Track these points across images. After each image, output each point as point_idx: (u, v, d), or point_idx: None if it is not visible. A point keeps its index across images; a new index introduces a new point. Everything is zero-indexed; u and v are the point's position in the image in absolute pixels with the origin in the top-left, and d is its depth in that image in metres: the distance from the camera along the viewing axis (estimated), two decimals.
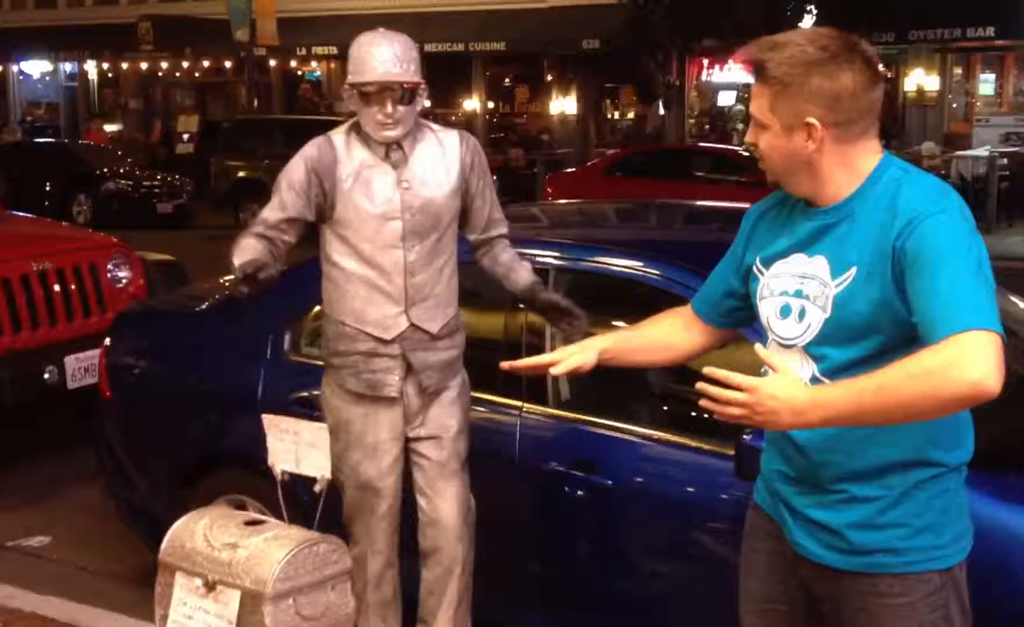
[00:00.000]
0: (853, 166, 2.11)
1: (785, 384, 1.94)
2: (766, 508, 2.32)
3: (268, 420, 2.93)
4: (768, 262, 2.23)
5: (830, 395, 1.95)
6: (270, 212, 3.13)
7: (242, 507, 3.74)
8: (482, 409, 3.48)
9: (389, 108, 3.03)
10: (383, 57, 3.04)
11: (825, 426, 1.96)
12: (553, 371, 2.48)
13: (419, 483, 3.23)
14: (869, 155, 2.12)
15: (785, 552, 2.25)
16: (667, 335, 2.52)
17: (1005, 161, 17.05)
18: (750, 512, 2.39)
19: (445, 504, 3.20)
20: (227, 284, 4.75)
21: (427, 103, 3.23)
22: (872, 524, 2.10)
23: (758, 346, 2.07)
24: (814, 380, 2.10)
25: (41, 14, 29.81)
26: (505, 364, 2.54)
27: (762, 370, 2.04)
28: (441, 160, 3.17)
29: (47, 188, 18.23)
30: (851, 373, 2.01)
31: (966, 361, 1.82)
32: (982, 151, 17.86)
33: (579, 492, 3.26)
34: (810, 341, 2.13)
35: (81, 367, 5.92)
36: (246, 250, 3.02)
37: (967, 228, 2.00)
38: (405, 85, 3.04)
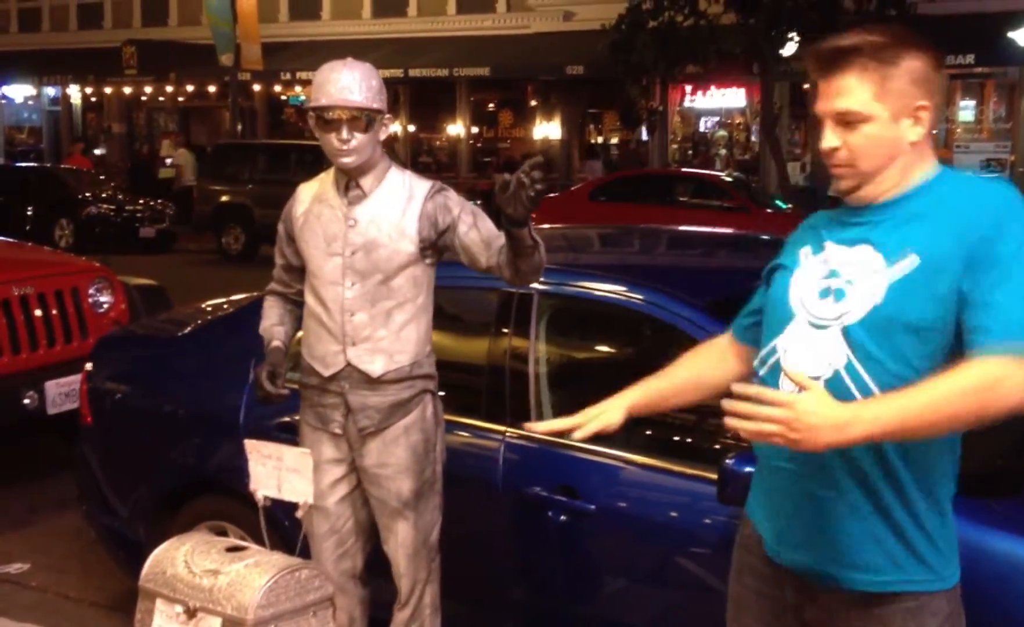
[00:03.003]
0: (927, 158, 2.11)
1: (823, 399, 1.88)
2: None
3: (250, 445, 2.92)
4: (799, 257, 2.19)
5: (875, 410, 1.90)
6: (276, 263, 3.39)
7: (223, 534, 3.71)
8: (465, 434, 3.48)
9: (344, 134, 3.04)
10: (341, 83, 3.06)
11: (867, 441, 1.92)
12: (577, 435, 2.42)
13: (373, 518, 3.25)
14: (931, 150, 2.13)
15: (777, 590, 2.22)
16: (698, 372, 2.44)
17: None
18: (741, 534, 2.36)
19: (391, 542, 3.20)
20: (208, 308, 4.76)
21: (389, 131, 3.21)
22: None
23: (788, 366, 2.02)
24: (849, 368, 2.03)
25: (25, 38, 29.80)
26: (529, 425, 2.50)
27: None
28: (403, 205, 3.13)
29: (29, 212, 18.16)
30: (888, 376, 1.99)
31: (1016, 377, 1.87)
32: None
33: (562, 517, 3.25)
34: (852, 323, 2.05)
35: (62, 392, 5.89)
36: (265, 315, 3.37)
37: None
38: (363, 111, 3.05)
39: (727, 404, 1.91)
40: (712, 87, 22.16)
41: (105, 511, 4.43)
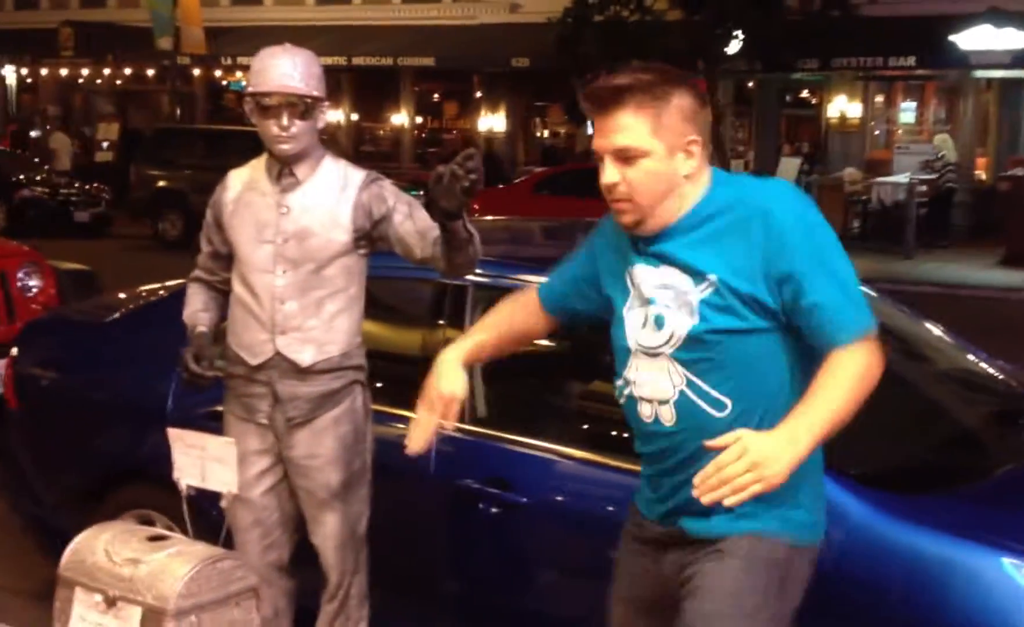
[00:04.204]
0: (702, 178, 2.22)
1: (759, 435, 1.99)
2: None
3: (173, 434, 2.88)
4: (621, 289, 2.32)
5: (807, 420, 2.03)
6: (202, 250, 3.31)
7: (150, 523, 3.66)
8: (399, 425, 3.45)
9: (284, 120, 3.00)
10: (282, 70, 3.01)
11: (812, 449, 2.03)
12: (448, 425, 2.49)
13: (300, 509, 3.21)
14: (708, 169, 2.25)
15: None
16: (517, 330, 2.57)
17: (924, 188, 17.50)
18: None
19: (318, 534, 3.17)
20: (143, 293, 4.67)
21: (326, 120, 3.17)
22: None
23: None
24: (690, 386, 2.19)
25: None
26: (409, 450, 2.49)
27: None
28: (337, 194, 3.10)
29: None
30: (727, 377, 2.15)
31: (874, 358, 2.09)
32: (902, 178, 18.31)
33: (494, 509, 3.23)
34: (678, 347, 2.19)
35: None
36: (189, 301, 3.29)
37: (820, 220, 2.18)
38: (303, 98, 3.01)
39: (699, 489, 1.98)
40: None
41: (30, 499, 4.35)
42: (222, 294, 3.28)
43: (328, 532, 3.14)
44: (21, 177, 18.51)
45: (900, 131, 21.81)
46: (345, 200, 3.09)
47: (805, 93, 22.66)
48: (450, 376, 2.44)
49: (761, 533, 2.21)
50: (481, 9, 23.13)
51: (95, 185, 19.20)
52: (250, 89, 3.06)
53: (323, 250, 3.07)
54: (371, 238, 3.12)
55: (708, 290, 2.16)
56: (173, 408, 3.74)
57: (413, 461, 3.35)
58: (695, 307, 2.17)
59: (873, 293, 4.20)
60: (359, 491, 3.18)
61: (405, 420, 3.46)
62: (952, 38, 17.40)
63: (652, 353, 2.23)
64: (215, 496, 2.98)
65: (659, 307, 2.21)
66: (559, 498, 3.24)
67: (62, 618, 2.55)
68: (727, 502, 1.94)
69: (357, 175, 3.15)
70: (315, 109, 3.06)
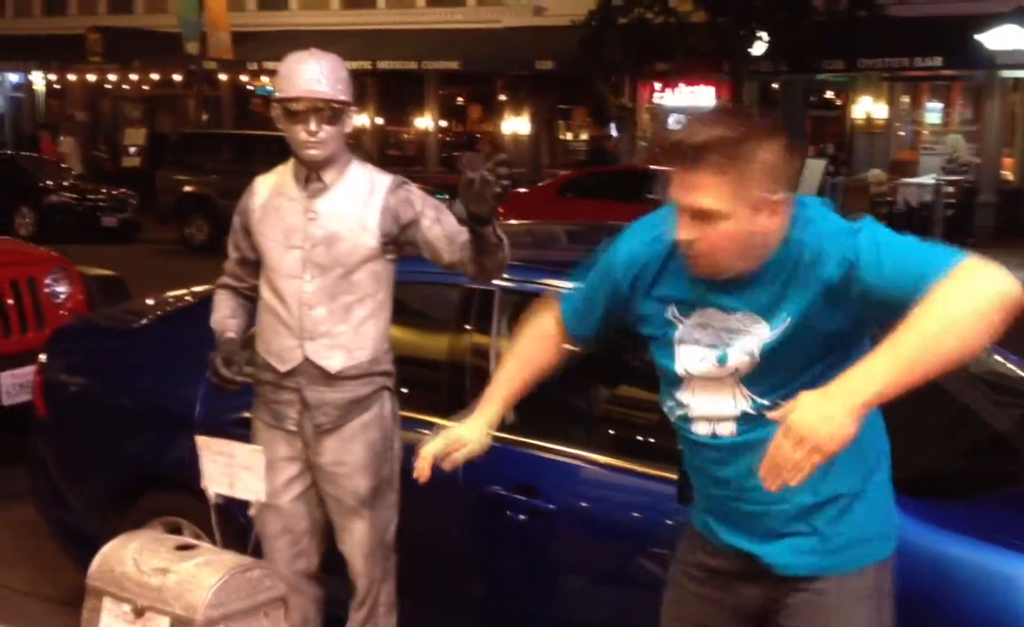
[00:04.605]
0: (783, 224, 2.09)
1: (806, 400, 1.85)
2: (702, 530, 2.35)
3: (202, 441, 2.87)
4: (684, 310, 2.21)
5: (866, 370, 1.85)
6: (229, 256, 3.30)
7: (178, 529, 3.66)
8: (425, 431, 3.43)
9: (313, 126, 2.99)
10: (309, 75, 3.00)
11: (880, 397, 1.85)
12: (446, 465, 2.42)
13: (329, 517, 3.20)
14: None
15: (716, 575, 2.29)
16: (537, 368, 2.45)
17: (951, 189, 17.35)
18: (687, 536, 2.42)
19: (347, 542, 3.16)
20: (171, 299, 4.68)
21: (354, 124, 3.17)
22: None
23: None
24: (754, 405, 2.13)
25: None
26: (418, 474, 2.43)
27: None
28: (364, 198, 3.09)
29: None
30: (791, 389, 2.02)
31: (978, 269, 1.88)
32: (928, 178, 18.17)
33: (521, 516, 3.21)
34: (744, 373, 2.13)
35: (17, 384, 5.78)
36: (217, 308, 3.28)
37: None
38: (331, 103, 3.01)
39: (768, 482, 1.88)
40: (682, 85, 22.20)
41: (58, 505, 4.36)
42: (250, 301, 3.27)
43: (356, 540, 3.13)
44: (49, 182, 18.64)
45: (926, 132, 21.64)
46: (373, 205, 3.08)
47: (830, 94, 22.52)
48: (470, 429, 2.40)
49: (853, 568, 2.20)
50: (505, 12, 23.13)
51: (122, 190, 19.31)
52: (278, 95, 3.06)
53: (351, 255, 3.06)
54: (399, 243, 3.11)
55: (780, 333, 2.08)
56: (201, 414, 3.74)
57: (440, 469, 3.37)
58: (762, 347, 2.09)
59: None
60: (388, 498, 3.17)
61: (433, 426, 3.45)
62: (978, 38, 17.26)
63: (714, 378, 2.16)
64: (243, 504, 2.98)
65: (722, 348, 2.14)
66: (587, 505, 3.21)
67: None
68: (792, 483, 1.84)
69: (384, 180, 3.13)
70: (343, 114, 3.06)
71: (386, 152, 24.78)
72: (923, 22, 17.99)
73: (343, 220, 3.06)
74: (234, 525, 3.32)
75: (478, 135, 25.08)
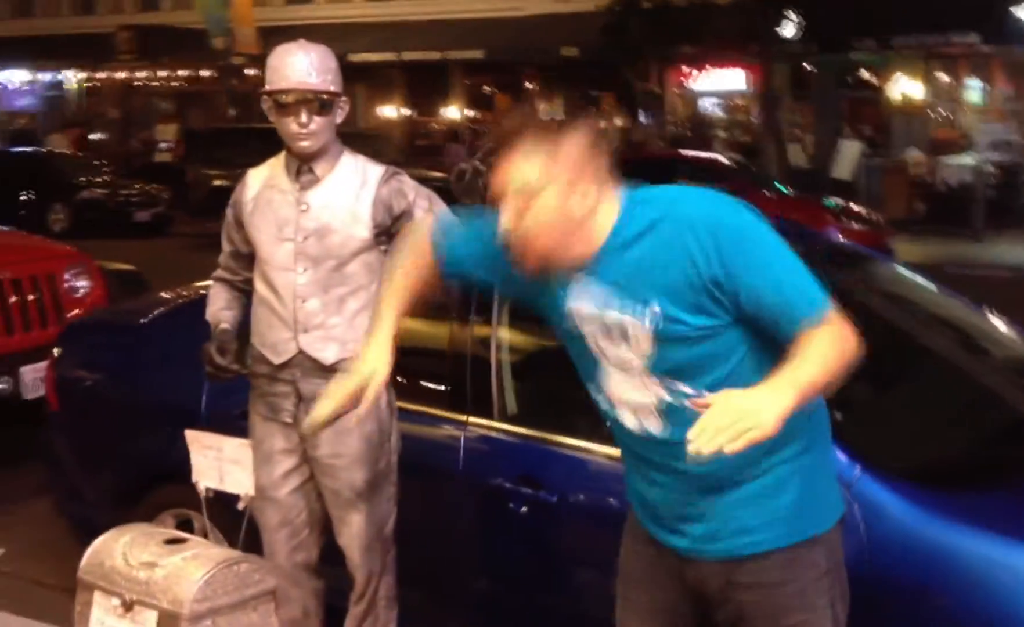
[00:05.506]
0: (605, 206, 2.12)
1: (736, 391, 1.91)
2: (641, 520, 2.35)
3: (191, 435, 2.86)
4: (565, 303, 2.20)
5: (788, 377, 1.93)
6: (223, 249, 3.30)
7: (188, 522, 3.67)
8: (426, 423, 3.41)
9: (303, 117, 2.97)
10: (298, 66, 2.99)
11: (795, 406, 1.91)
12: (361, 410, 2.36)
13: (327, 509, 3.18)
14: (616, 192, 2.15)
15: (667, 559, 2.28)
16: (420, 293, 2.44)
17: (992, 169, 17.04)
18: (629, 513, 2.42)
19: (344, 534, 3.14)
20: (185, 294, 4.68)
21: (344, 112, 3.13)
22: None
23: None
24: (672, 392, 2.12)
25: (18, 24, 29.70)
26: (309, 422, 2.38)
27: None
28: (356, 190, 3.07)
29: (23, 197, 18.08)
30: (708, 375, 2.08)
31: (844, 331, 2.02)
32: (968, 158, 17.87)
33: (523, 508, 3.17)
34: (648, 364, 2.12)
35: (37, 378, 5.80)
36: (212, 301, 3.29)
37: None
38: (321, 94, 2.98)
39: (695, 444, 1.87)
40: (711, 68, 22.01)
41: (73, 499, 4.38)
42: (244, 293, 3.27)
43: (354, 532, 3.11)
44: (83, 179, 18.83)
45: (967, 111, 21.24)
46: (365, 196, 3.05)
47: (866, 74, 22.20)
48: (375, 358, 2.36)
49: (798, 542, 2.19)
50: (528, 0, 23.04)
51: (154, 186, 19.46)
52: (267, 87, 3.04)
53: (344, 247, 3.04)
54: (391, 234, 3.08)
55: (652, 321, 2.09)
56: (207, 409, 3.74)
57: (443, 460, 3.34)
58: (649, 338, 2.10)
59: (930, 285, 4.08)
60: (385, 490, 3.15)
61: (431, 418, 3.43)
62: (1016, 12, 16.93)
63: (626, 368, 2.16)
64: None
65: (616, 334, 2.14)
66: (589, 497, 3.17)
67: (82, 621, 2.55)
68: (728, 449, 1.84)
69: (376, 170, 3.11)
70: (333, 105, 3.03)
71: (415, 143, 24.80)
72: None
73: (335, 212, 3.04)
74: (239, 517, 3.31)
75: (464, 128, 25.00)
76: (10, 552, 4.95)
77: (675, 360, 2.09)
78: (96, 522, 4.16)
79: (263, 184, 3.15)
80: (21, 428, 6.06)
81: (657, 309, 2.07)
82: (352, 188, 3.06)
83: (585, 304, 2.16)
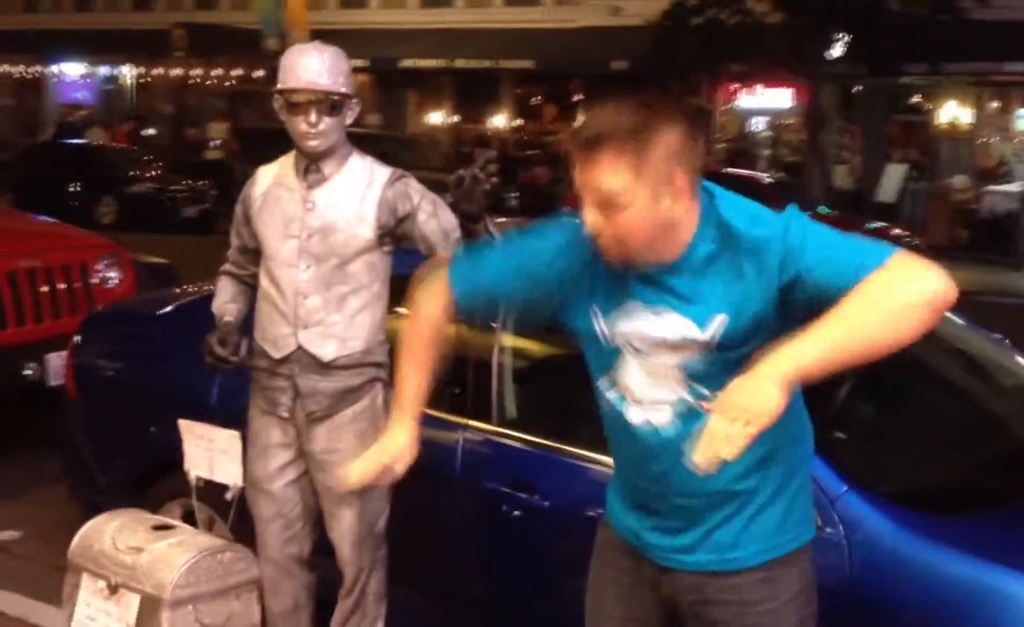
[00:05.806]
0: (694, 210, 2.07)
1: (738, 382, 1.86)
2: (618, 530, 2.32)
3: (184, 425, 2.91)
4: (608, 311, 2.16)
5: (793, 349, 1.84)
6: (232, 244, 3.36)
7: (194, 512, 3.71)
8: (425, 425, 3.42)
9: (313, 117, 3.02)
10: (311, 67, 3.04)
11: (800, 376, 1.85)
12: (384, 479, 2.38)
13: (320, 505, 3.21)
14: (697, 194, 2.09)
15: (643, 570, 2.26)
16: (440, 354, 2.39)
17: None
18: (600, 530, 2.40)
19: (336, 530, 3.17)
20: (203, 288, 4.76)
21: (355, 115, 3.16)
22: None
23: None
24: (691, 392, 2.09)
25: (78, 17, 30.25)
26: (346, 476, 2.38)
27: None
28: (362, 190, 3.11)
29: (72, 189, 18.37)
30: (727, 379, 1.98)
31: (905, 265, 1.88)
32: (1014, 186, 17.62)
33: (516, 512, 3.19)
34: (682, 363, 2.09)
35: (62, 365, 5.91)
36: (218, 293, 3.35)
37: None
38: (331, 95, 3.03)
39: (698, 461, 1.86)
40: (759, 87, 21.90)
41: (87, 485, 4.45)
42: (251, 288, 3.33)
43: (345, 528, 3.15)
44: (131, 173, 19.09)
45: (1016, 139, 20.95)
46: (370, 196, 3.09)
47: (916, 99, 21.97)
48: (394, 439, 2.36)
49: (775, 558, 2.18)
50: (581, 12, 23.09)
51: (202, 182, 19.70)
52: (279, 86, 3.09)
53: (347, 246, 3.08)
54: (395, 235, 3.12)
55: (717, 330, 2.06)
56: (218, 400, 3.78)
57: (440, 462, 3.36)
58: (699, 345, 2.07)
59: (954, 317, 4.02)
60: (377, 488, 3.17)
61: (430, 420, 3.44)
62: None
63: (653, 368, 2.13)
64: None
65: (645, 344, 2.12)
66: (583, 502, 3.17)
67: (70, 602, 2.60)
68: (727, 457, 1.82)
69: (383, 172, 3.15)
70: (343, 106, 3.08)
71: (461, 150, 24.90)
72: (1008, 26, 17.48)
73: (340, 211, 3.09)
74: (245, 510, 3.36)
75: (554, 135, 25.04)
76: (27, 535, 5.03)
77: (712, 366, 2.07)
78: (106, 509, 4.25)
79: (272, 181, 3.21)
80: (46, 414, 6.20)
81: (722, 319, 2.04)
82: (358, 188, 3.10)
83: (643, 304, 2.11)
